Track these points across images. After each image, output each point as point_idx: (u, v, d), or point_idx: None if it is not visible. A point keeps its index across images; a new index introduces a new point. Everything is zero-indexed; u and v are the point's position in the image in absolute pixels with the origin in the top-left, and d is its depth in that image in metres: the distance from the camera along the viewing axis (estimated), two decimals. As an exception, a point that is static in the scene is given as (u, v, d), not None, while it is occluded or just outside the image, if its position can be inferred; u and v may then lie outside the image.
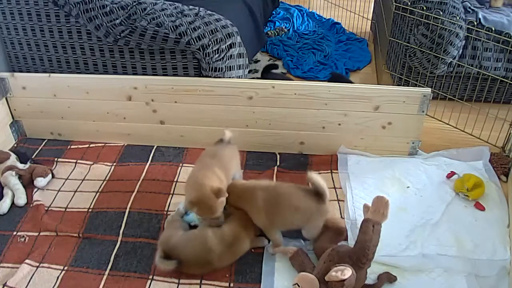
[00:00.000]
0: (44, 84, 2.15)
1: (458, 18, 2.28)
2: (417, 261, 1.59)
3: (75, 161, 2.11)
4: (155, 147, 2.20)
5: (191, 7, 2.18)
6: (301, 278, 1.40)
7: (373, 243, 1.39)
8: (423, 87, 2.15)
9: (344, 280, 1.31)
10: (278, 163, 2.09)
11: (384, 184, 1.93)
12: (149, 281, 1.55)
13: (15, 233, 1.76)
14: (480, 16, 2.41)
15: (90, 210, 1.85)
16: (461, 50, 2.37)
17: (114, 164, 2.10)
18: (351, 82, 2.51)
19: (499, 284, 1.52)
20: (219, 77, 2.11)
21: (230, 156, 1.72)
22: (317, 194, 1.56)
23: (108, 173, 2.04)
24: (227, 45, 2.10)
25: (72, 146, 2.23)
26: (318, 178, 1.55)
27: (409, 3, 2.36)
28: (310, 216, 1.58)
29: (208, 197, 1.51)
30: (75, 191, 1.95)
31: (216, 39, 2.07)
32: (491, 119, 2.19)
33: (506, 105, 2.35)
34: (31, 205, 1.87)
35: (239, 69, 2.19)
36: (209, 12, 2.17)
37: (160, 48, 2.12)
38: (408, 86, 2.37)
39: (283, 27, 3.51)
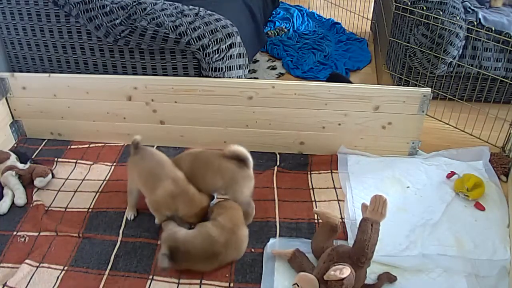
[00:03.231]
0: (44, 84, 2.15)
1: (458, 18, 2.28)
2: (417, 261, 1.59)
3: (75, 161, 2.12)
4: (155, 147, 2.20)
5: (191, 7, 2.18)
6: (301, 278, 1.40)
7: (372, 242, 1.39)
8: (423, 87, 2.15)
9: (342, 279, 1.31)
10: (278, 163, 2.09)
11: (384, 184, 1.93)
12: (149, 281, 1.55)
13: (15, 233, 1.76)
14: (480, 16, 2.41)
15: (90, 210, 1.85)
16: (461, 50, 2.37)
17: (114, 164, 2.10)
18: (350, 82, 2.51)
19: (499, 284, 1.52)
20: (219, 77, 2.11)
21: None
22: (240, 160, 1.67)
23: (108, 173, 2.04)
24: (227, 45, 2.10)
25: (72, 146, 2.23)
26: (237, 147, 1.67)
27: (409, 3, 2.36)
28: (231, 179, 1.67)
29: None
30: (75, 191, 1.95)
31: (216, 39, 2.07)
32: (491, 119, 2.19)
33: (506, 105, 2.36)
34: (31, 205, 1.87)
35: (239, 69, 2.19)
36: (209, 12, 2.17)
37: (160, 48, 2.12)
38: (408, 86, 2.37)
39: (283, 27, 3.51)
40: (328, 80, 2.61)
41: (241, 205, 1.69)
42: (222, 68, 2.11)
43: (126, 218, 1.79)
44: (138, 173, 1.71)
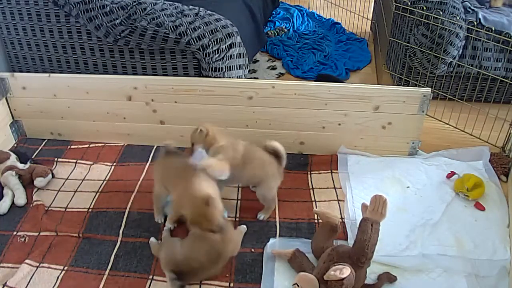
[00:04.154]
0: (44, 84, 2.15)
1: (458, 18, 2.28)
2: (417, 261, 1.59)
3: (75, 161, 2.12)
4: (155, 147, 2.20)
5: (191, 7, 2.18)
6: (301, 278, 1.40)
7: (372, 242, 1.39)
8: (423, 87, 2.15)
9: (342, 279, 1.31)
10: (278, 163, 2.09)
11: (384, 184, 1.93)
12: (149, 281, 1.55)
13: (15, 233, 1.76)
14: (480, 16, 2.41)
15: (90, 210, 1.85)
16: (461, 50, 2.37)
17: (114, 164, 2.10)
18: (340, 81, 2.51)
19: (499, 284, 1.52)
20: (219, 77, 2.11)
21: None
22: (277, 156, 1.74)
23: (108, 173, 2.04)
24: (227, 45, 2.10)
25: (72, 146, 2.23)
26: (277, 144, 1.74)
27: (409, 3, 2.36)
28: (269, 174, 1.72)
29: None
30: (75, 191, 1.95)
31: (216, 39, 2.07)
32: (491, 119, 2.19)
33: (506, 105, 2.36)
34: (31, 205, 1.87)
35: (239, 69, 2.19)
36: (209, 12, 2.18)
37: (160, 48, 2.12)
38: (408, 86, 2.37)
39: (283, 27, 3.51)
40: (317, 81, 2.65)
41: (269, 200, 1.76)
42: (222, 68, 2.11)
43: (126, 218, 1.78)
44: (165, 172, 1.69)
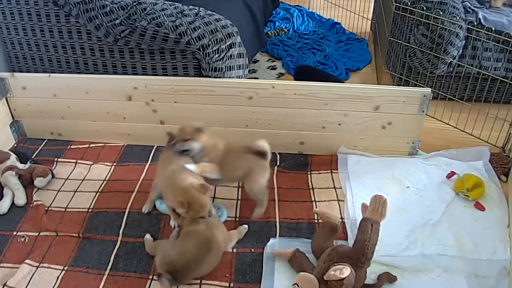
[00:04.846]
0: (44, 84, 2.15)
1: (458, 18, 2.28)
2: (417, 261, 1.59)
3: (75, 161, 2.12)
4: (155, 147, 2.20)
5: (191, 7, 2.19)
6: (301, 278, 1.40)
7: (372, 242, 1.39)
8: (423, 87, 2.15)
9: (342, 279, 1.31)
10: (278, 163, 2.09)
11: (384, 184, 1.93)
12: (149, 281, 1.55)
13: (15, 233, 1.75)
14: (480, 16, 2.41)
15: (90, 210, 1.85)
16: (461, 50, 2.37)
17: (114, 164, 2.10)
18: (323, 72, 2.52)
19: (499, 284, 1.52)
20: (219, 77, 2.11)
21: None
22: (260, 153, 1.72)
23: (108, 173, 2.04)
24: (227, 45, 2.10)
25: (72, 146, 2.23)
26: (263, 144, 1.72)
27: (409, 3, 2.36)
28: (249, 169, 1.71)
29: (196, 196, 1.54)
30: (75, 191, 1.95)
31: (216, 39, 2.07)
32: (491, 119, 2.19)
33: (506, 105, 2.36)
34: (31, 205, 1.87)
35: (239, 69, 2.19)
36: (209, 12, 2.18)
37: (160, 48, 2.12)
38: (408, 86, 2.37)
39: (283, 27, 3.51)
40: (296, 73, 2.69)
41: (256, 194, 1.75)
42: (222, 68, 2.11)
43: (126, 218, 1.78)
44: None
